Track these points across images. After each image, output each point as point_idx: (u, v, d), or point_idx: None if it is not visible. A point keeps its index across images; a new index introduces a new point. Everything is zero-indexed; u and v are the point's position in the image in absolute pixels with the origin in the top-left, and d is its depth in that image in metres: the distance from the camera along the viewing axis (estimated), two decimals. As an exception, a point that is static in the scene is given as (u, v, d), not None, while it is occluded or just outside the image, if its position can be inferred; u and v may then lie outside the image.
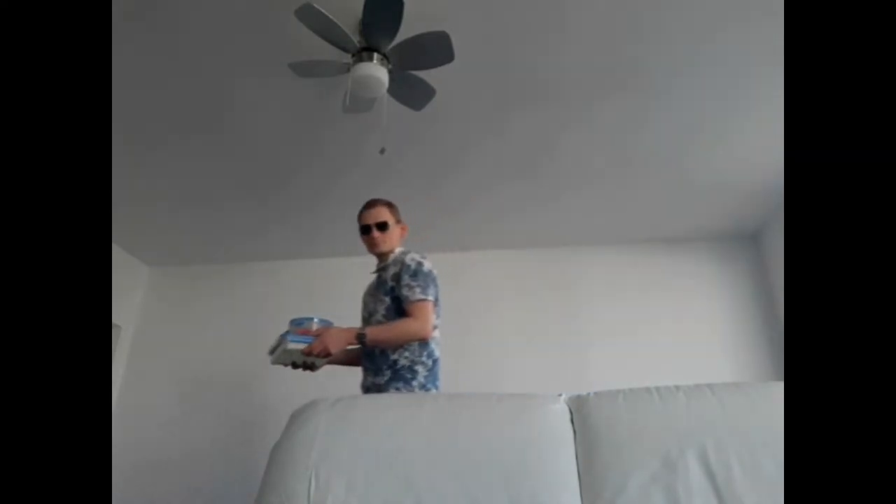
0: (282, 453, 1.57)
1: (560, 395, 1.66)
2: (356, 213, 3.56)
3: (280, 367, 2.19)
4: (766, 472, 1.33)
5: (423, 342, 2.04)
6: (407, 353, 2.02)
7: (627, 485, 1.36)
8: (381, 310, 2.08)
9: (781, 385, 1.57)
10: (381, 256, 2.22)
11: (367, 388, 2.09)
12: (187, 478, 3.47)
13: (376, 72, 2.12)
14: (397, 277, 2.06)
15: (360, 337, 1.96)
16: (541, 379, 3.47)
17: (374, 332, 1.99)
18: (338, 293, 3.98)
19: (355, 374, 3.69)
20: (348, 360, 2.24)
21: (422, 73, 2.29)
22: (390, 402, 1.68)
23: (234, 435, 3.56)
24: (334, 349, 1.95)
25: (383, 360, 2.04)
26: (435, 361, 2.09)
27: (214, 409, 3.70)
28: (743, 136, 2.87)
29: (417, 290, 2.02)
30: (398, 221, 2.28)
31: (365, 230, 2.21)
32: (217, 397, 3.74)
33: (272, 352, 2.09)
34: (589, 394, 1.63)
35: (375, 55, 2.14)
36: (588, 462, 1.46)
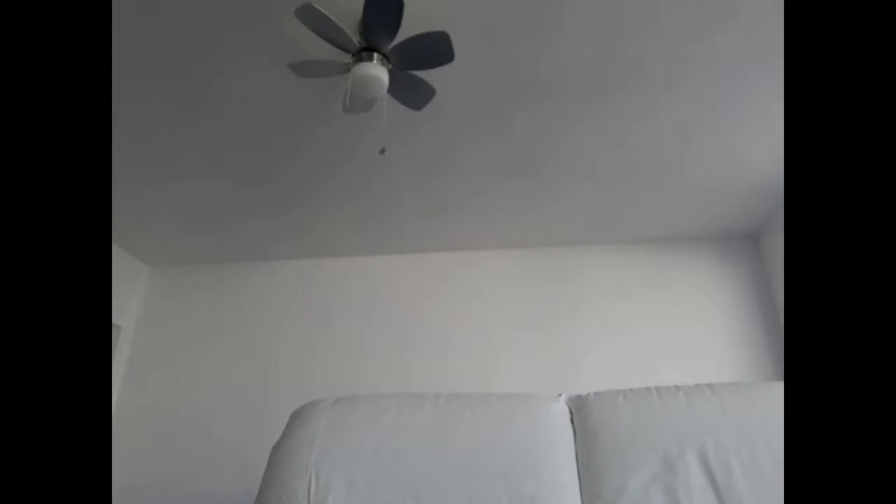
0: (282, 453, 1.58)
1: (560, 395, 1.66)
2: (357, 213, 3.58)
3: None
4: (766, 472, 1.33)
5: None
6: None
7: (627, 484, 1.37)
8: None
9: (781, 385, 1.58)
10: None
11: None
12: (187, 477, 3.46)
13: (376, 72, 2.12)
14: None
15: None
16: (541, 379, 3.47)
17: None
18: (338, 293, 3.99)
19: (356, 374, 3.71)
20: None
21: (422, 73, 2.29)
22: (390, 402, 1.68)
23: (234, 434, 3.56)
24: None
25: None
26: None
27: (215, 409, 3.70)
28: (743, 136, 2.87)
29: None
30: None
31: None
32: (217, 397, 3.74)
33: None
34: (589, 394, 1.63)
35: (375, 55, 2.14)
36: (588, 462, 1.46)
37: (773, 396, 1.50)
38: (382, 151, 2.50)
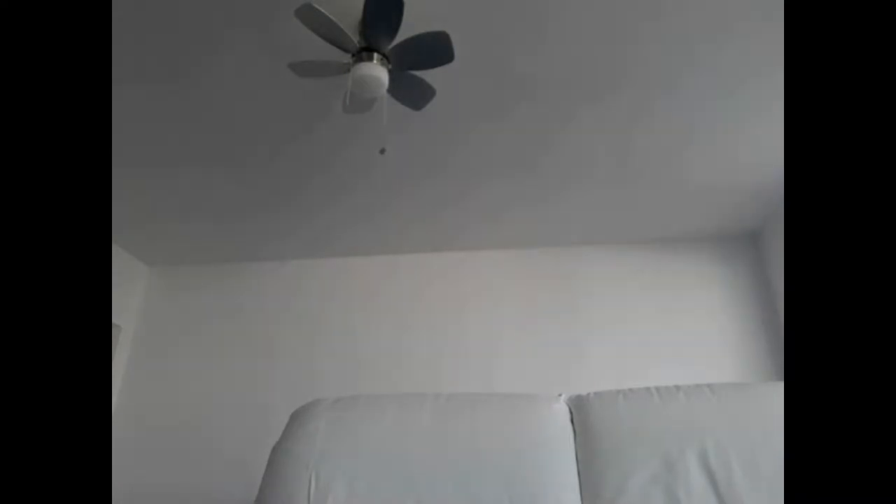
0: (282, 453, 1.58)
1: (560, 395, 1.66)
2: (357, 212, 3.59)
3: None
4: (766, 472, 1.33)
5: None
6: None
7: (627, 485, 1.37)
8: None
9: (781, 385, 1.58)
10: None
11: None
12: (187, 478, 3.47)
13: (376, 72, 2.12)
14: None
15: None
16: (541, 379, 3.47)
17: None
18: (338, 293, 3.99)
19: (356, 374, 3.71)
20: None
21: (421, 73, 2.29)
22: (390, 402, 1.68)
23: (234, 434, 3.57)
24: None
25: None
26: None
27: (215, 409, 3.70)
28: (743, 136, 2.87)
29: None
30: None
31: None
32: (217, 397, 3.74)
33: None
34: (589, 394, 1.63)
35: (375, 55, 2.14)
36: (588, 462, 1.46)
37: (773, 396, 1.50)
38: (382, 151, 2.50)
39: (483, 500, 1.39)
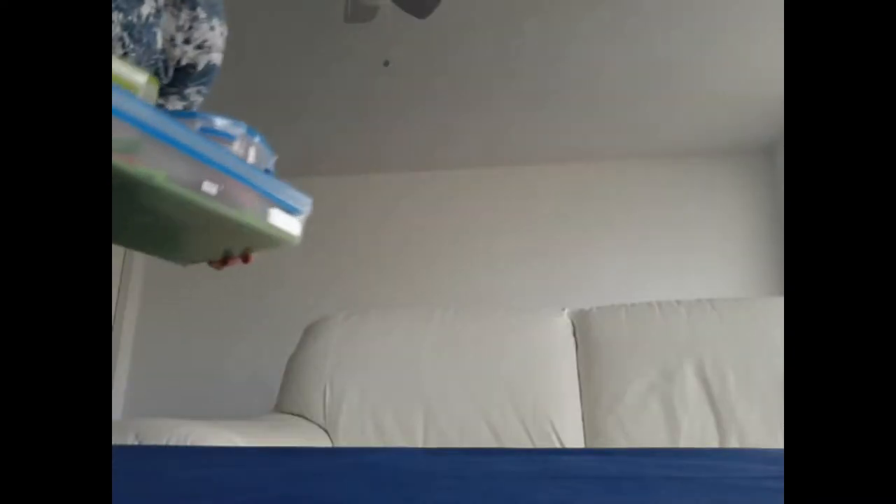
0: (298, 365, 1.65)
1: (563, 309, 1.70)
2: (364, 129, 3.51)
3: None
4: (760, 383, 1.39)
5: None
6: None
7: (626, 393, 1.44)
8: None
9: (781, 299, 1.61)
10: None
11: None
12: (205, 387, 3.63)
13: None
14: None
15: None
16: (547, 295, 3.53)
17: None
18: (349, 211, 3.99)
19: (366, 291, 3.78)
20: None
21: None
22: (399, 315, 1.74)
23: (250, 347, 3.70)
24: None
25: None
26: None
27: (230, 327, 3.82)
28: (758, 47, 2.74)
29: None
30: None
31: None
32: (232, 315, 3.85)
33: None
34: (591, 308, 1.67)
35: (377, -41, 2.03)
36: (588, 372, 1.53)
37: (772, 310, 1.54)
38: (386, 64, 2.42)
39: (488, 407, 1.47)
